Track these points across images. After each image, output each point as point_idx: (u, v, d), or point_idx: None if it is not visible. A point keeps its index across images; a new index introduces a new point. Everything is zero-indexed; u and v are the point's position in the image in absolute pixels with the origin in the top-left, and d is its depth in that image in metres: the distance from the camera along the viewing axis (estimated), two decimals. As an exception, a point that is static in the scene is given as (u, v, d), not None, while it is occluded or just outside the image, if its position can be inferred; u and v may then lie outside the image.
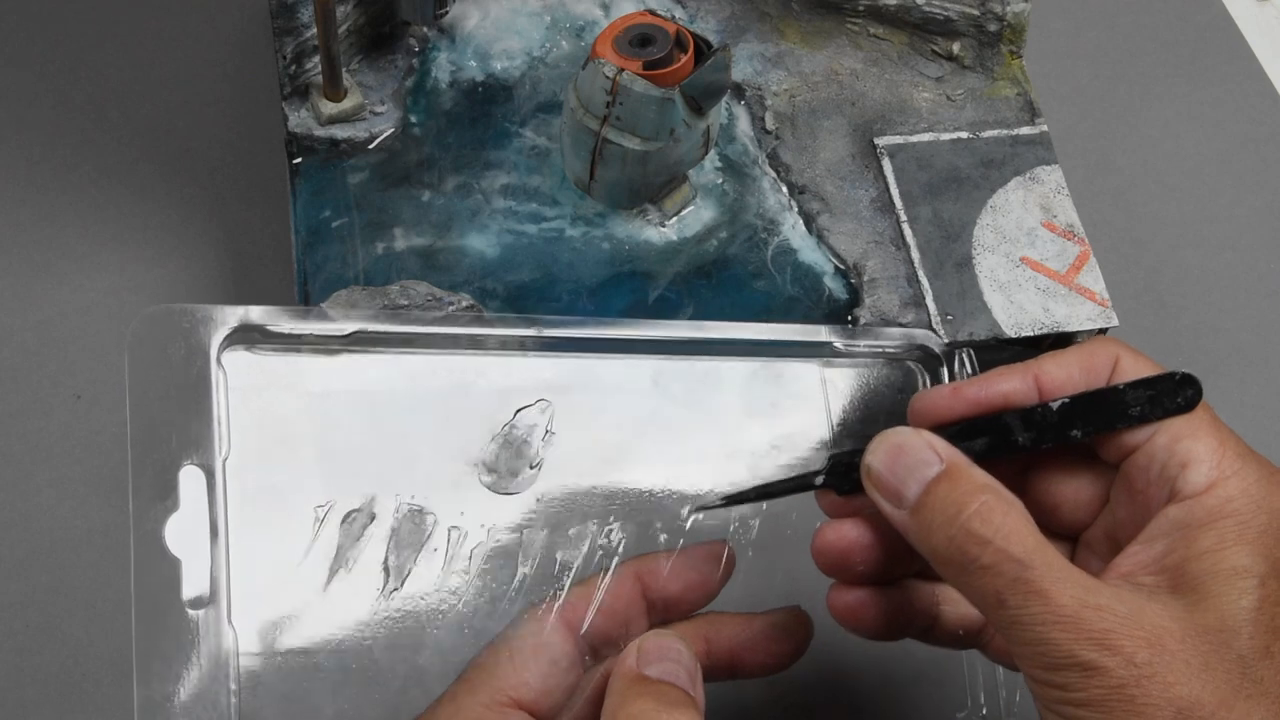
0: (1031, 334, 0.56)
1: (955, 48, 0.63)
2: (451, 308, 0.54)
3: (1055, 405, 0.43)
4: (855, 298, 0.57)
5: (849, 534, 0.45)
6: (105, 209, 0.65)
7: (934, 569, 0.42)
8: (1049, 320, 0.56)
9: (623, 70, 0.54)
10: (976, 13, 0.62)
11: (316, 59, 0.59)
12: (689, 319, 0.56)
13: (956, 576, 0.41)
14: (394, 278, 0.55)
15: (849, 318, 0.56)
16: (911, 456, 0.42)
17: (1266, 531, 0.40)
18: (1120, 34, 0.76)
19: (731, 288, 0.57)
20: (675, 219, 0.59)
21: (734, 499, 0.48)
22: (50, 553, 0.57)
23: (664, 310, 0.56)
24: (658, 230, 0.58)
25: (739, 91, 0.62)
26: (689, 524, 0.50)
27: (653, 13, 0.58)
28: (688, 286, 0.57)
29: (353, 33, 0.60)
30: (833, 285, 0.57)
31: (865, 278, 0.57)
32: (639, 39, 0.55)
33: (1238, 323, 0.66)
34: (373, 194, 0.58)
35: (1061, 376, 0.44)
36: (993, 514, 0.40)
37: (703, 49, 0.55)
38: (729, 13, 0.64)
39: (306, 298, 0.55)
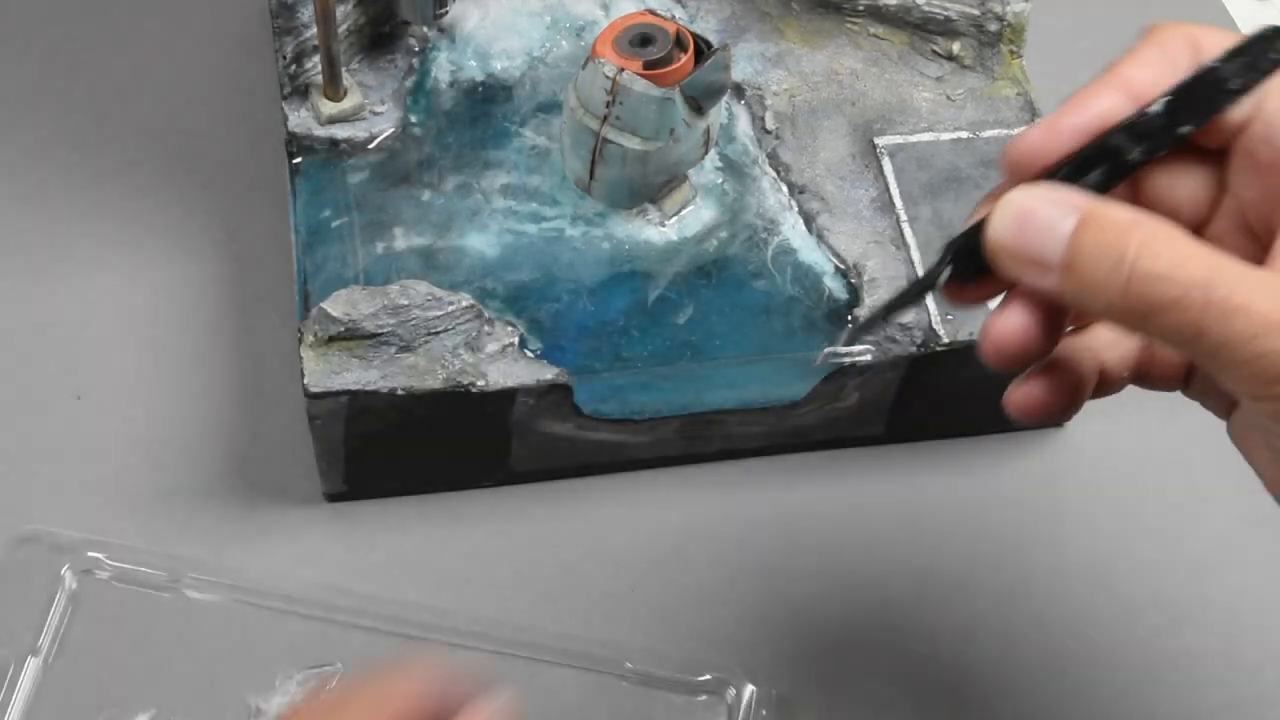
0: (1031, 334, 0.56)
1: (955, 48, 0.63)
2: (451, 307, 0.54)
3: (1157, 108, 0.39)
4: (855, 297, 0.57)
5: (1016, 321, 0.39)
6: (105, 209, 0.65)
7: (1107, 324, 0.39)
8: (1049, 320, 0.56)
9: (623, 70, 0.54)
10: (977, 13, 0.62)
11: (316, 59, 0.59)
12: (689, 319, 0.56)
13: (1141, 323, 0.36)
14: (394, 277, 0.55)
15: (849, 317, 0.56)
16: (1039, 217, 0.37)
17: None
18: (1120, 34, 0.75)
19: (731, 287, 0.57)
20: (675, 219, 0.59)
21: (869, 322, 0.45)
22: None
23: (664, 310, 0.56)
24: (658, 230, 0.58)
25: (739, 91, 0.62)
26: (846, 347, 0.49)
27: (653, 13, 0.58)
28: (688, 286, 0.57)
29: (353, 33, 0.60)
30: (833, 285, 0.57)
31: (865, 278, 0.57)
32: (639, 39, 0.55)
33: (1238, 323, 0.66)
34: (373, 194, 0.58)
35: (1148, 76, 0.40)
36: (1158, 245, 0.36)
37: (703, 49, 0.55)
38: (729, 13, 0.64)
39: (306, 297, 0.55)
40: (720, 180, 0.60)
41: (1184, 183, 0.41)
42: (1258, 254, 0.39)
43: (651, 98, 0.54)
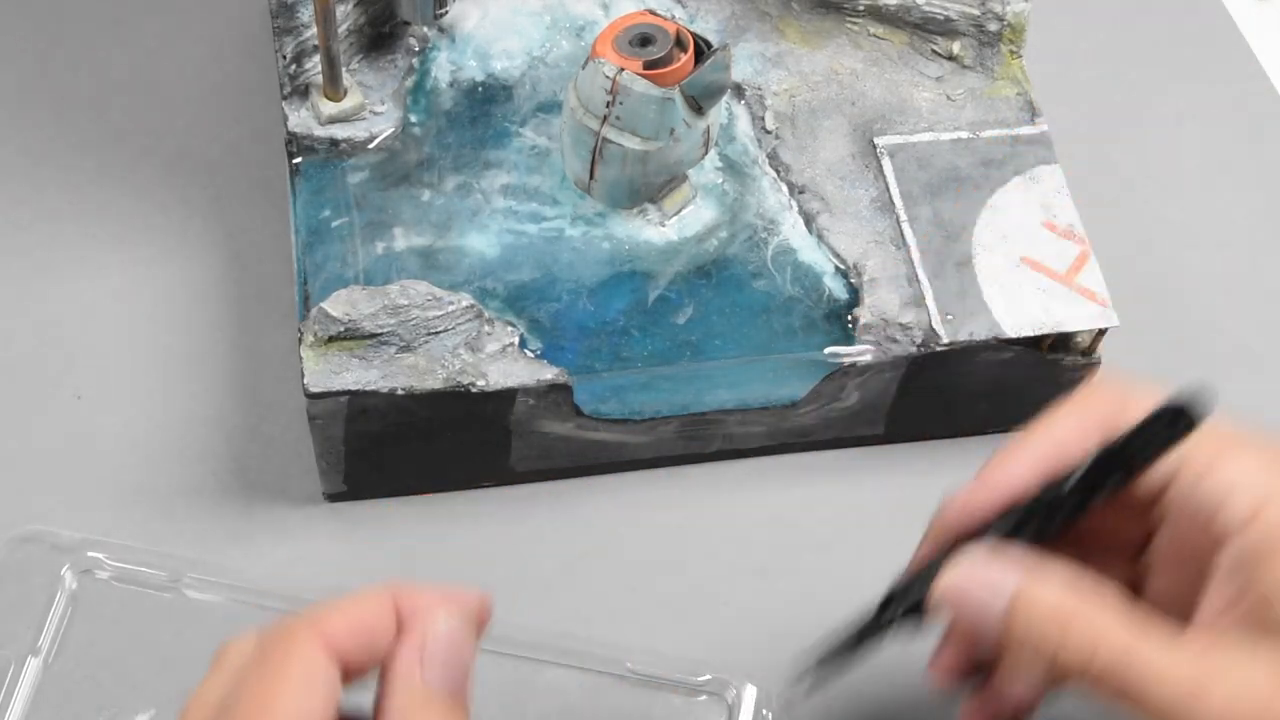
0: (1031, 334, 0.56)
1: (955, 47, 0.63)
2: (451, 307, 0.54)
3: (1074, 479, 0.43)
4: (855, 297, 0.57)
5: (953, 659, 0.45)
6: (105, 209, 0.65)
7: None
8: (1049, 320, 0.56)
9: (623, 70, 0.54)
10: (977, 12, 0.62)
11: (316, 59, 0.59)
12: (689, 319, 0.56)
13: (1071, 686, 0.41)
14: (394, 277, 0.55)
15: (849, 317, 0.56)
16: (973, 599, 0.42)
17: None
18: (1120, 34, 0.76)
19: (731, 287, 0.57)
20: (675, 219, 0.59)
21: (822, 666, 0.48)
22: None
23: (664, 310, 0.56)
24: (658, 230, 0.58)
25: (739, 91, 0.62)
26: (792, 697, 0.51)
27: (653, 12, 0.58)
28: (688, 286, 0.57)
29: (353, 33, 0.60)
30: (833, 285, 0.57)
31: (865, 277, 0.57)
32: (639, 39, 0.55)
33: (1238, 323, 0.66)
34: (373, 194, 0.58)
35: (1067, 434, 0.44)
36: (1079, 628, 0.40)
37: (703, 49, 0.55)
38: (729, 13, 0.64)
39: (306, 297, 0.55)
40: (720, 180, 0.60)
41: (1122, 517, 0.44)
42: (1188, 598, 0.42)
43: (651, 98, 0.54)
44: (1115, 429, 0.43)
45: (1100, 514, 0.44)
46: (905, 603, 0.45)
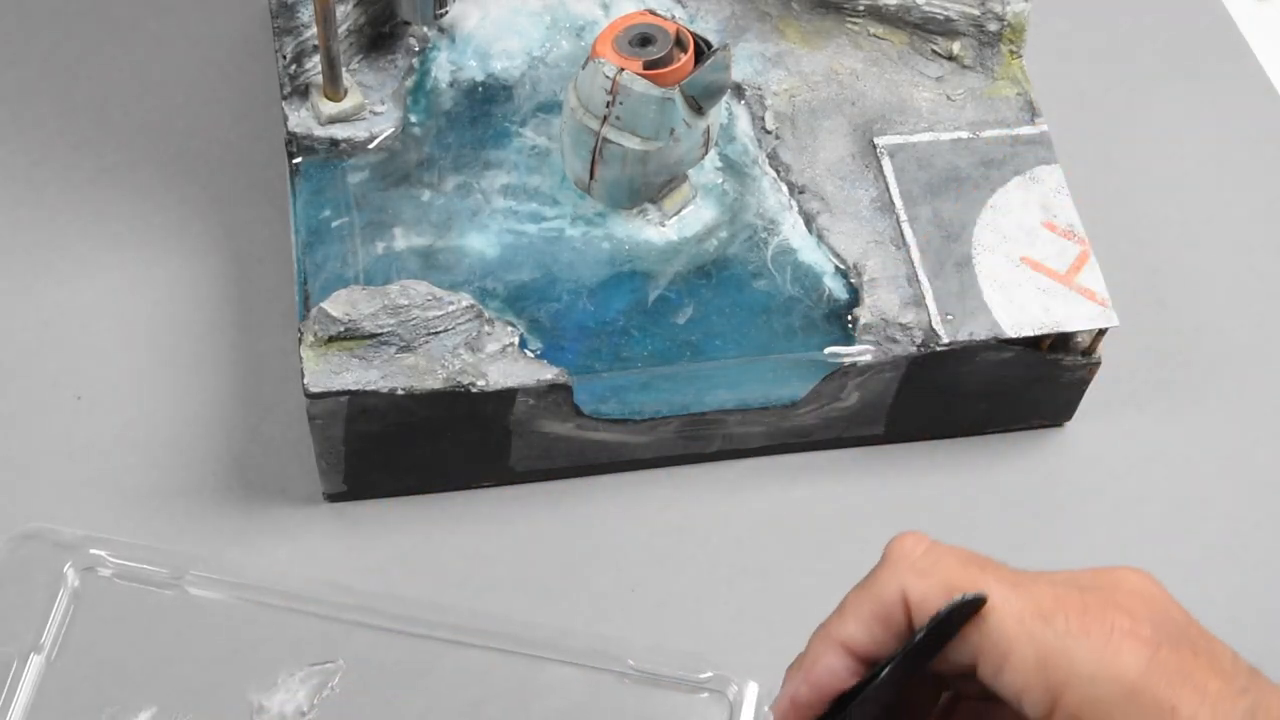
0: (1031, 334, 0.56)
1: (955, 48, 0.63)
2: (451, 307, 0.54)
3: (884, 675, 0.44)
4: (855, 297, 0.57)
5: None
6: (105, 209, 0.65)
7: None
8: (1049, 320, 0.56)
9: (623, 70, 0.54)
10: (976, 12, 0.62)
11: (316, 59, 0.59)
12: (689, 319, 0.56)
13: None
14: (394, 277, 0.55)
15: (849, 317, 0.56)
16: None
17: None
18: (1120, 34, 0.76)
19: (731, 287, 0.57)
20: (675, 219, 0.59)
21: None
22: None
23: (664, 310, 0.56)
24: (658, 230, 0.58)
25: (739, 91, 0.62)
26: None
27: (653, 12, 0.58)
28: (688, 286, 0.57)
29: (353, 33, 0.60)
30: (833, 285, 0.57)
31: (865, 277, 0.57)
32: (639, 39, 0.55)
33: (1238, 323, 0.66)
34: (373, 194, 0.58)
35: (862, 634, 0.45)
36: None
37: (703, 49, 0.55)
38: (729, 13, 0.64)
39: (306, 297, 0.55)
40: (720, 180, 0.60)
41: (920, 691, 0.46)
42: None
43: (651, 98, 0.54)
44: (900, 624, 0.44)
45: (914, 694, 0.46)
46: None
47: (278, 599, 0.54)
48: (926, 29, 0.63)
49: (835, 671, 0.45)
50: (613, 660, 0.53)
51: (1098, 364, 0.59)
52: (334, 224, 0.57)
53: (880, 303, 0.57)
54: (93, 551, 0.54)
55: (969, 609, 0.42)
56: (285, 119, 0.59)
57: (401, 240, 0.57)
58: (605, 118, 0.55)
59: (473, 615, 0.54)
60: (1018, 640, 0.41)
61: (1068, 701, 0.40)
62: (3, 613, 0.53)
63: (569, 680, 0.53)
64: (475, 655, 0.54)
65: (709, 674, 0.53)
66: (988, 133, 0.62)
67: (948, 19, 0.63)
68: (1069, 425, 0.62)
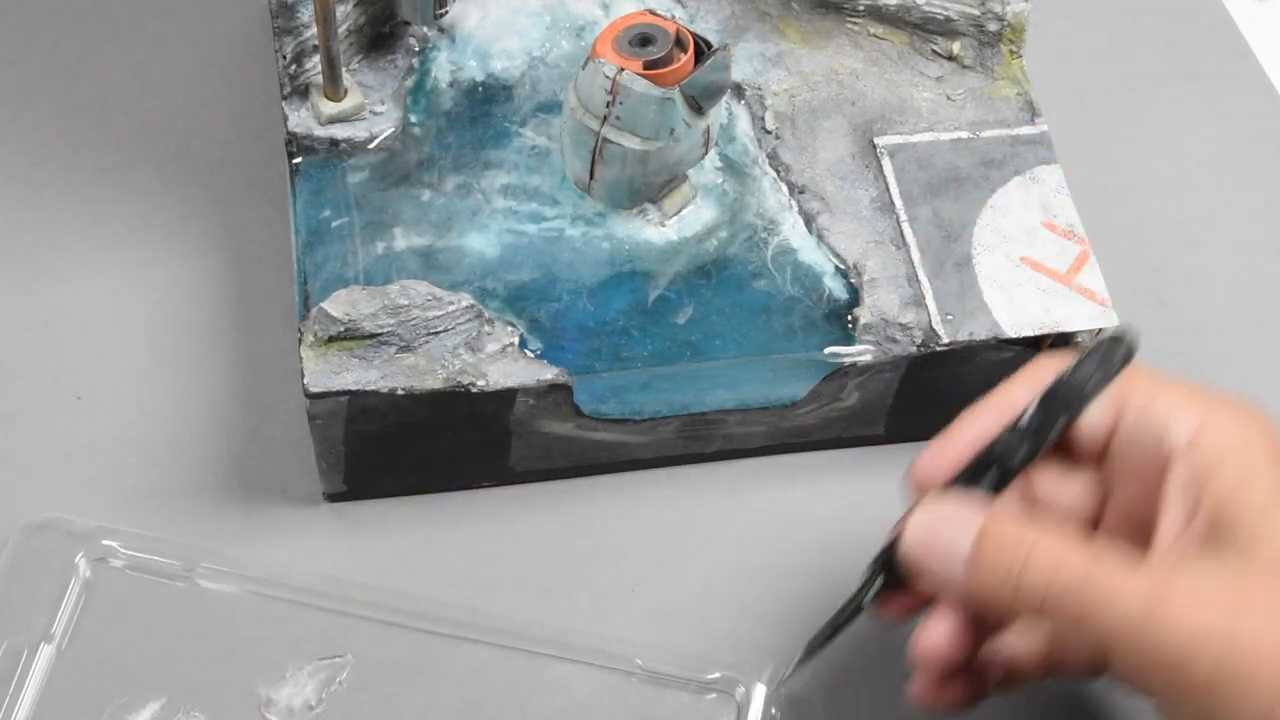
0: (1031, 334, 0.56)
1: (955, 48, 0.63)
2: (451, 307, 0.54)
3: (1028, 416, 0.45)
4: (855, 298, 0.57)
5: (942, 630, 0.45)
6: (105, 209, 0.65)
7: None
8: (1049, 320, 0.57)
9: (623, 70, 0.54)
10: (977, 12, 0.62)
11: (316, 59, 0.59)
12: (689, 319, 0.56)
13: (1036, 617, 0.42)
14: (394, 277, 0.55)
15: (849, 317, 0.56)
16: (941, 540, 0.44)
17: (1264, 455, 0.42)
18: (1120, 34, 0.76)
19: (731, 287, 0.57)
20: (675, 219, 0.59)
21: (809, 652, 0.50)
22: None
23: (664, 310, 0.56)
24: (658, 230, 0.58)
25: (739, 91, 0.62)
26: (781, 691, 0.52)
27: (653, 12, 0.58)
28: (688, 286, 0.57)
29: (353, 33, 0.60)
30: (833, 285, 0.57)
31: (865, 277, 0.57)
32: (639, 39, 0.55)
33: (1238, 323, 0.66)
34: (373, 194, 0.58)
35: (1022, 396, 0.46)
36: (1040, 555, 0.42)
37: (703, 49, 0.55)
38: (729, 13, 0.65)
39: (306, 297, 0.55)
40: (720, 180, 0.60)
41: (1073, 489, 0.47)
42: (1145, 543, 0.44)
43: (651, 98, 0.54)
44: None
45: (1051, 481, 0.46)
46: (885, 560, 0.46)
47: (287, 593, 0.54)
48: (926, 29, 0.63)
49: (984, 426, 0.46)
50: (620, 660, 0.54)
51: (1098, 364, 0.59)
52: (334, 224, 0.57)
53: (880, 303, 0.57)
54: (105, 543, 0.54)
55: (1119, 347, 0.44)
56: (285, 119, 0.59)
57: (401, 240, 0.57)
58: (605, 118, 0.55)
59: (481, 613, 0.54)
60: (1166, 381, 0.44)
61: (1211, 432, 0.42)
62: (14, 602, 0.53)
63: (576, 679, 0.54)
64: (483, 652, 0.54)
65: (717, 674, 0.53)
66: (988, 133, 0.62)
67: (948, 19, 0.63)
68: (1069, 425, 0.62)
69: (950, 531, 0.43)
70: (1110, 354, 0.45)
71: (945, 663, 0.45)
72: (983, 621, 0.46)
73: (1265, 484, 0.41)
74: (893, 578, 0.46)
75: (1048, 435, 0.45)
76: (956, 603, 0.45)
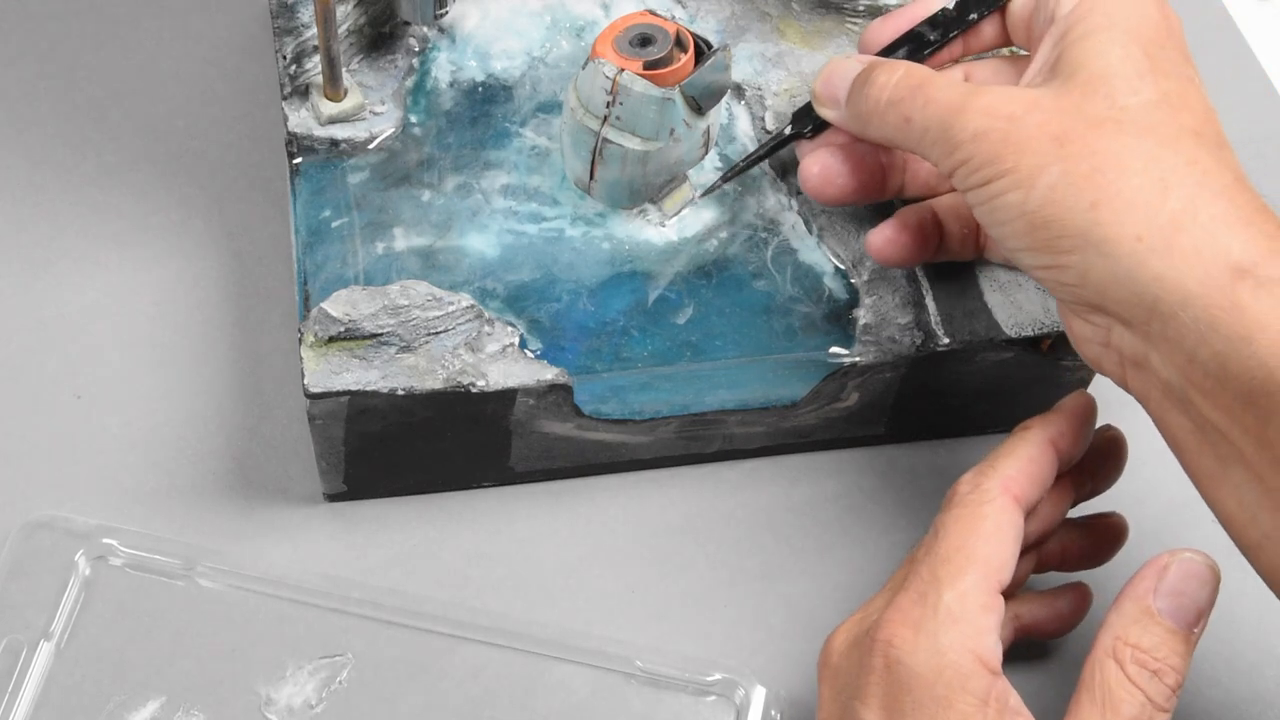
0: (1032, 334, 0.56)
1: (955, 48, 0.63)
2: (451, 307, 0.54)
3: (953, 4, 0.54)
4: (855, 298, 0.57)
5: (822, 157, 0.54)
6: (105, 209, 0.65)
7: (885, 147, 0.54)
8: (1049, 320, 0.57)
9: (623, 70, 0.54)
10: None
11: (316, 59, 0.59)
12: (689, 319, 0.56)
13: (891, 134, 0.50)
14: (394, 277, 0.55)
15: (849, 317, 0.56)
16: (840, 69, 0.53)
17: (1133, 26, 0.48)
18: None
19: (731, 288, 0.57)
20: (675, 219, 0.59)
21: (729, 175, 0.58)
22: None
23: (664, 310, 0.56)
24: (658, 230, 0.58)
25: (739, 91, 0.62)
26: (699, 197, 0.58)
27: (653, 13, 0.58)
28: (688, 286, 0.57)
29: (353, 33, 0.60)
30: (833, 285, 0.57)
31: (865, 277, 0.57)
32: (639, 39, 0.55)
33: (1238, 323, 0.66)
34: (373, 194, 0.58)
35: None
36: (896, 68, 0.50)
37: (703, 49, 0.55)
38: (729, 13, 0.65)
39: (306, 297, 0.55)
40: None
41: (1004, 77, 0.54)
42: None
43: (651, 98, 0.54)
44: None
45: (988, 72, 0.54)
46: (802, 109, 0.56)
47: (287, 592, 0.54)
48: (926, 29, 0.63)
49: (916, 16, 0.55)
50: (620, 661, 0.54)
51: (1098, 364, 0.59)
52: (334, 224, 0.57)
53: (880, 303, 0.57)
54: (105, 541, 0.54)
55: None
56: (285, 119, 0.59)
57: (401, 240, 0.57)
58: (605, 118, 0.55)
59: (481, 613, 0.54)
60: None
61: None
62: (14, 600, 0.53)
63: (576, 679, 0.54)
64: (483, 652, 0.54)
65: (716, 677, 0.53)
66: (988, 133, 0.62)
67: (948, 19, 0.63)
68: (1069, 425, 0.62)
69: (846, 66, 0.53)
70: None
71: (822, 183, 0.54)
72: (866, 168, 0.55)
73: (1114, 43, 0.47)
74: (807, 124, 0.56)
75: (964, 24, 0.54)
76: (848, 146, 0.54)
